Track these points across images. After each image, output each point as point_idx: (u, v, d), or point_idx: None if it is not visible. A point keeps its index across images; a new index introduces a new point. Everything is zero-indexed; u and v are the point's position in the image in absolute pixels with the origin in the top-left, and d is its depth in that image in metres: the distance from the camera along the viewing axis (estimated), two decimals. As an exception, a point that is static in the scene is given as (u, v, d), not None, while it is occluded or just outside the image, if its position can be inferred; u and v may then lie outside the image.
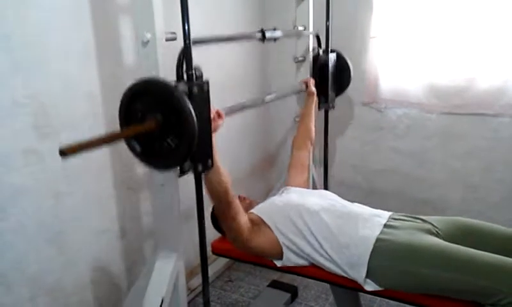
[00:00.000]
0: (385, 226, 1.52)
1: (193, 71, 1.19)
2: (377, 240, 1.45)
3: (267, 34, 1.66)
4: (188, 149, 1.15)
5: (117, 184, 1.84)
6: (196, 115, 1.13)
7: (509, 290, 1.24)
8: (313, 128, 2.11)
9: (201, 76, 1.22)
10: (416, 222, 1.56)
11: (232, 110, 1.56)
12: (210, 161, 1.27)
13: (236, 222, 1.47)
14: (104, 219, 1.82)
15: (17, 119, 1.45)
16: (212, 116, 1.31)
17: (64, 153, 0.96)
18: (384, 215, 1.59)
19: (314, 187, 2.41)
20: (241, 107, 1.58)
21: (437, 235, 1.50)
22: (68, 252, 1.66)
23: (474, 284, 1.29)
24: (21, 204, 1.49)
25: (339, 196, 1.77)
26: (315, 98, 2.14)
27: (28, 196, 1.51)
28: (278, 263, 1.59)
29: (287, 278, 2.31)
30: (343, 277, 1.49)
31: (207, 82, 1.24)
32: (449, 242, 1.46)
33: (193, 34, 1.28)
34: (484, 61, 2.24)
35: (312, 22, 2.24)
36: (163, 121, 1.13)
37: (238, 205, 1.47)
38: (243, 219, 1.49)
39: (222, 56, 2.42)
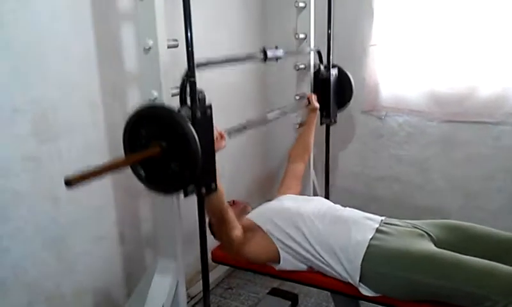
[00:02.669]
0: (378, 231, 1.54)
1: (196, 95, 1.20)
2: (370, 245, 1.47)
3: (269, 54, 1.69)
4: (191, 174, 1.16)
5: (116, 190, 1.83)
6: (199, 139, 1.14)
7: (498, 297, 1.24)
8: (312, 143, 2.15)
9: (204, 99, 1.23)
10: (408, 227, 1.57)
11: (234, 131, 1.58)
12: (213, 184, 1.28)
13: (229, 236, 1.50)
14: (103, 225, 1.81)
15: (17, 125, 1.45)
16: (214, 137, 1.32)
17: (70, 182, 0.98)
18: (376, 219, 1.62)
19: (315, 194, 2.41)
20: (243, 127, 1.61)
21: (430, 239, 1.52)
22: (66, 258, 1.66)
23: (464, 291, 1.29)
24: (19, 209, 1.48)
25: (340, 203, 1.77)
26: (318, 113, 2.17)
27: (27, 202, 1.50)
28: (276, 267, 1.60)
29: (287, 286, 2.30)
30: (343, 284, 1.50)
31: (210, 106, 1.25)
32: (441, 245, 1.48)
33: (195, 41, 1.28)
34: (485, 68, 2.24)
35: (313, 30, 2.25)
36: (167, 147, 1.15)
37: (232, 221, 1.49)
38: (235, 233, 1.51)
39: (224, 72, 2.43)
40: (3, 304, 1.46)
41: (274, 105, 2.84)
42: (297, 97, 2.31)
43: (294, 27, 2.29)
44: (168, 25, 1.36)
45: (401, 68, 2.45)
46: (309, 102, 2.14)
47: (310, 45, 2.26)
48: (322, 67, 2.24)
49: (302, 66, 2.28)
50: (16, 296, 1.50)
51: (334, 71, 2.21)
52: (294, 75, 2.34)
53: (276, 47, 1.74)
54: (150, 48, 1.33)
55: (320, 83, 2.21)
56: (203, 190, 1.24)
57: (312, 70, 2.28)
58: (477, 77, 2.27)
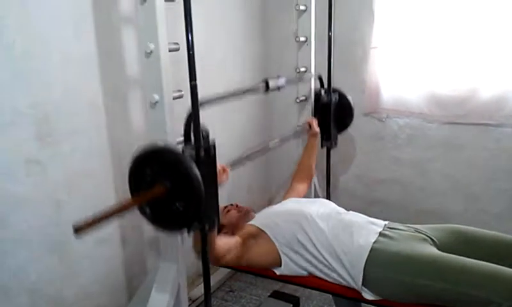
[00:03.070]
0: (380, 234, 1.53)
1: (200, 135, 1.22)
2: (372, 249, 1.47)
3: (271, 84, 1.72)
4: (195, 212, 1.19)
5: (118, 193, 1.83)
6: (202, 178, 1.16)
7: (500, 300, 1.24)
8: (313, 166, 2.16)
9: (208, 136, 1.25)
10: (411, 232, 1.57)
11: (236, 163, 1.59)
12: (216, 219, 1.30)
13: (221, 261, 1.48)
14: (105, 229, 1.79)
15: (19, 128, 1.46)
16: (217, 171, 1.33)
17: (79, 230, 0.99)
18: (379, 224, 1.61)
19: (316, 196, 2.41)
20: (246, 158, 1.63)
21: (433, 244, 1.51)
22: (69, 261, 1.66)
23: (467, 294, 1.29)
24: (22, 213, 1.49)
25: (341, 205, 1.77)
26: (318, 137, 2.19)
27: (29, 205, 1.51)
28: (277, 271, 1.60)
29: (288, 289, 2.30)
30: (344, 287, 1.50)
31: (214, 145, 1.26)
32: (444, 250, 1.47)
33: (196, 44, 1.29)
34: (486, 71, 2.24)
35: (313, 32, 2.26)
36: (171, 187, 1.17)
37: (222, 249, 1.45)
38: (226, 258, 1.48)
39: (225, 70, 2.45)
40: (6, 307, 1.47)
41: (275, 105, 2.86)
42: (298, 100, 2.32)
43: (294, 30, 2.29)
44: (168, 28, 1.37)
45: (402, 70, 2.46)
46: (310, 127, 2.15)
47: (310, 49, 2.26)
48: (322, 92, 2.27)
49: (303, 69, 2.28)
50: (18, 299, 1.50)
51: (334, 96, 2.25)
52: (296, 76, 2.34)
53: (278, 76, 1.77)
54: (151, 51, 1.34)
55: (321, 108, 2.25)
56: (207, 226, 1.27)
57: (313, 95, 2.31)
58: (477, 79, 2.28)
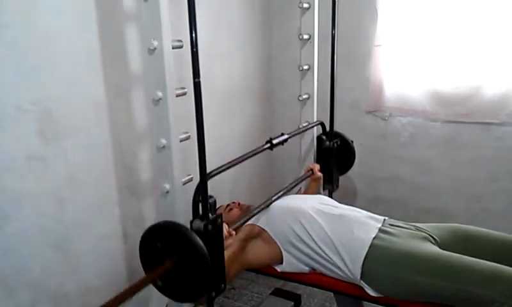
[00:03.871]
0: (381, 231, 1.54)
1: (208, 209, 1.27)
2: (373, 244, 1.47)
3: (275, 141, 1.77)
4: (203, 283, 1.24)
5: (120, 189, 1.84)
6: (209, 250, 1.21)
7: (503, 299, 1.24)
8: None
9: (215, 205, 1.31)
10: (412, 229, 1.57)
11: (240, 225, 1.62)
12: (222, 285, 1.33)
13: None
14: (107, 224, 1.82)
15: (22, 124, 1.45)
16: (224, 236, 1.35)
17: None
18: (379, 219, 1.63)
19: (318, 193, 2.42)
20: (251, 215, 1.66)
21: (433, 242, 1.51)
22: (70, 257, 1.66)
23: (468, 292, 1.29)
24: (24, 209, 1.49)
25: (342, 203, 1.78)
26: (321, 182, 2.22)
27: (31, 201, 1.51)
28: (279, 268, 1.61)
29: (290, 286, 2.30)
30: (346, 284, 1.50)
31: (220, 216, 1.30)
32: (445, 248, 1.47)
33: (199, 41, 1.29)
34: (489, 69, 2.24)
35: (317, 30, 2.25)
36: (179, 259, 1.24)
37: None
38: (233, 271, 1.51)
39: (228, 68, 2.45)
40: (7, 303, 1.47)
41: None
42: (301, 98, 2.32)
43: (298, 27, 2.29)
44: (172, 25, 1.37)
45: (405, 68, 2.45)
46: (312, 172, 2.16)
47: (313, 47, 2.26)
48: (324, 137, 2.30)
49: (306, 67, 2.28)
50: (20, 295, 1.51)
51: (336, 141, 2.28)
52: (298, 74, 2.34)
53: (282, 134, 1.84)
54: (154, 48, 1.34)
55: (322, 152, 2.29)
56: (213, 294, 1.31)
57: (315, 143, 2.35)
58: (480, 78, 2.27)
